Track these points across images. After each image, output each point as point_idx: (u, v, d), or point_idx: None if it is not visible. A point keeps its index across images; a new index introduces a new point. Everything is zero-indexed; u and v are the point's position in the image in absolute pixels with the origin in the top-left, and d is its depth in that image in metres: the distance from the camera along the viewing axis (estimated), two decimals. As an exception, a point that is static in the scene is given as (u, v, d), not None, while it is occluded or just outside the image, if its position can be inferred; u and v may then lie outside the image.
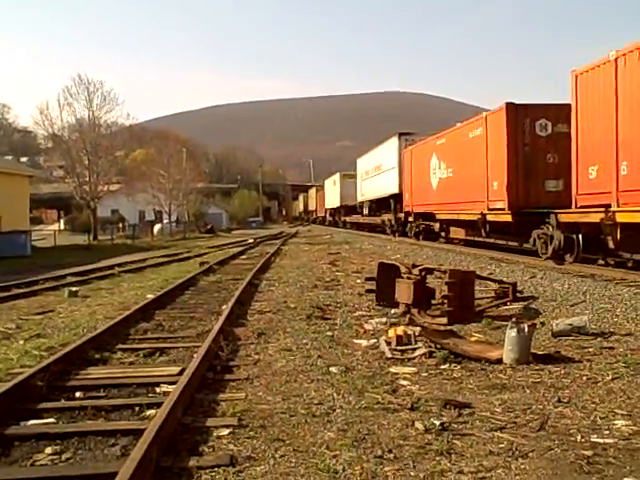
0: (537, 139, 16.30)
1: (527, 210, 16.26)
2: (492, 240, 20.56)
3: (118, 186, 60.30)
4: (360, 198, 42.46)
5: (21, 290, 14.75)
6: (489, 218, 18.44)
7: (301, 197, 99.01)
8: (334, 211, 58.57)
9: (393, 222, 31.87)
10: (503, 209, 17.03)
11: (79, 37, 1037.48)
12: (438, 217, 23.53)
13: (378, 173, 35.30)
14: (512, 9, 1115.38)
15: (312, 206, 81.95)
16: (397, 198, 30.37)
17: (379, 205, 36.30)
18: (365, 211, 41.35)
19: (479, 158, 18.59)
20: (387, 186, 32.31)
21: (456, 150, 21.05)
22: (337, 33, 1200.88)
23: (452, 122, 24.24)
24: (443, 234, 24.34)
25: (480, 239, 20.83)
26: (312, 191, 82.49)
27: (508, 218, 16.96)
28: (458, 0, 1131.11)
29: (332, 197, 57.08)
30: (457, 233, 22.88)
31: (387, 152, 32.75)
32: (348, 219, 50.20)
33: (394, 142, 31.02)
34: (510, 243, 19.65)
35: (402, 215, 29.23)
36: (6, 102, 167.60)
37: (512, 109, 16.46)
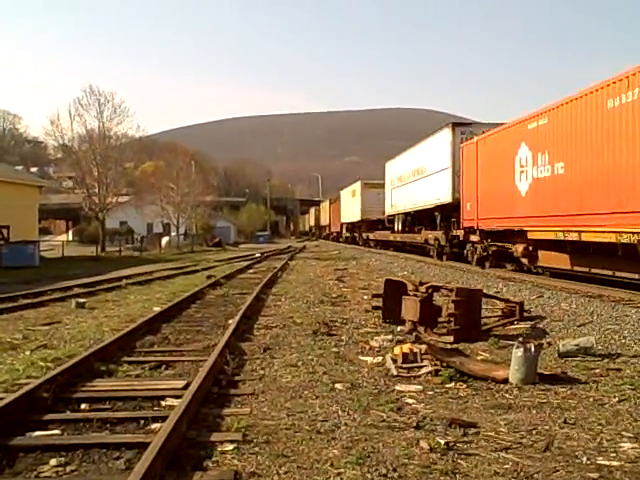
0: None
1: None
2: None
3: (127, 198, 60.50)
4: (390, 210, 35.90)
5: (28, 300, 14.78)
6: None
7: (312, 210, 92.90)
8: (352, 226, 51.70)
9: (443, 242, 24.97)
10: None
11: (91, 49, 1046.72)
12: (531, 236, 16.65)
13: (418, 178, 28.90)
14: (520, 27, 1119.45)
15: (325, 220, 74.10)
16: (448, 210, 24.21)
17: (419, 219, 29.87)
18: (397, 226, 34.54)
19: (628, 141, 12.44)
20: (433, 194, 26.05)
21: (574, 132, 14.49)
22: (348, 49, 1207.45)
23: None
24: (526, 261, 17.80)
25: (625, 275, 13.52)
26: (325, 204, 74.95)
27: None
28: (467, 18, 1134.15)
29: (350, 210, 50.19)
30: (556, 261, 16.16)
31: (434, 150, 26.14)
32: (372, 236, 43.53)
33: (445, 136, 24.21)
34: None
35: (460, 233, 22.53)
36: (17, 112, 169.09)
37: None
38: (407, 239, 32.62)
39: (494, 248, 19.82)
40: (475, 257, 21.39)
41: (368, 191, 43.90)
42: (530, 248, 17.22)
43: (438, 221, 25.87)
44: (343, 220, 55.60)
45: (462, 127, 23.61)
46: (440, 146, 24.95)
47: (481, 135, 20.73)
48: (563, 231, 14.75)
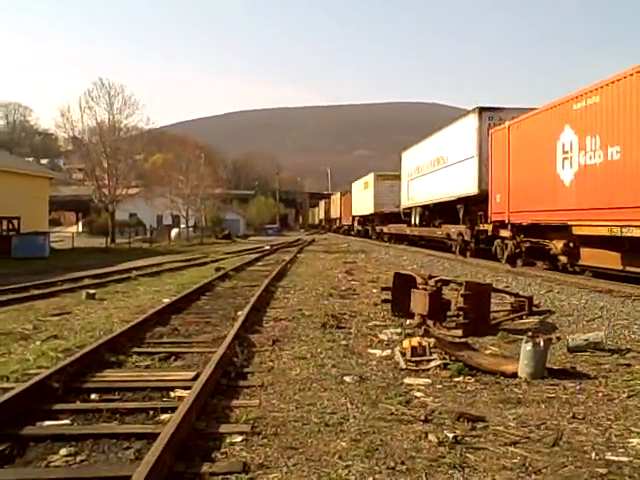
0: None
1: None
2: None
3: (137, 190, 60.67)
4: (406, 203, 33.93)
5: (39, 291, 14.87)
6: None
7: (322, 203, 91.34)
8: (364, 219, 49.83)
9: (467, 237, 22.99)
10: None
11: (102, 41, 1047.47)
12: (577, 232, 14.69)
13: (438, 168, 26.95)
14: (528, 24, 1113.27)
15: (335, 213, 71.92)
16: (473, 202, 22.64)
17: (440, 212, 27.85)
18: (414, 220, 32.59)
19: None
20: (455, 185, 24.20)
21: (635, 111, 12.45)
22: (359, 43, 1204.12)
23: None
24: (565, 259, 15.96)
25: None
26: (335, 196, 72.83)
27: None
28: (477, 15, 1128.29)
29: (363, 202, 48.06)
30: (604, 259, 14.30)
31: (457, 138, 24.16)
32: (386, 229, 41.11)
33: (471, 122, 22.33)
34: None
35: (488, 227, 20.51)
36: (28, 104, 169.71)
37: None
38: (425, 233, 30.68)
39: (527, 244, 17.86)
40: (505, 254, 19.24)
41: (381, 183, 42.24)
42: (571, 245, 15.45)
43: (461, 214, 24.14)
44: (355, 213, 53.78)
45: (490, 112, 21.43)
46: (465, 133, 22.94)
47: (514, 119, 18.49)
48: (621, 226, 12.78)
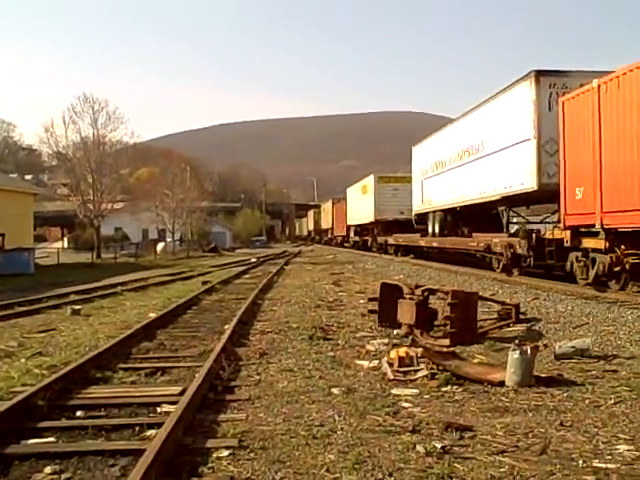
0: None
1: None
2: None
3: (122, 204, 60.48)
4: (420, 207, 28.55)
5: (24, 308, 14.75)
6: None
7: (311, 213, 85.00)
8: (362, 229, 43.79)
9: (521, 249, 16.58)
10: None
11: (84, 56, 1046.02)
12: None
13: (470, 160, 21.57)
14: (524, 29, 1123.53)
15: (326, 223, 65.82)
16: (524, 201, 18.77)
17: (468, 218, 23.13)
18: (433, 228, 26.67)
19: None
20: (497, 181, 18.86)
21: None
22: (343, 53, 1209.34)
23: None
24: None
25: None
26: (327, 205, 66.33)
27: None
28: (466, 22, 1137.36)
29: (360, 210, 42.34)
30: None
31: (500, 116, 18.81)
32: (391, 240, 34.40)
33: (523, 93, 16.87)
34: None
35: (563, 235, 14.59)
36: (12, 120, 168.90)
37: None
38: (450, 245, 24.02)
39: (635, 259, 12.40)
40: (592, 273, 13.63)
41: (383, 186, 37.01)
42: None
43: (505, 219, 19.25)
44: (350, 222, 48.23)
45: (551, 77, 16.15)
46: (512, 110, 17.68)
47: (605, 77, 12.85)
48: None
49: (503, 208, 19.38)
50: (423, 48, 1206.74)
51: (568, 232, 14.38)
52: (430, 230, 27.16)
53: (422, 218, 28.64)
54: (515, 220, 19.48)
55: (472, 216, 22.87)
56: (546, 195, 16.56)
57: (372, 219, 38.25)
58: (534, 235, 16.40)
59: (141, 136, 60.13)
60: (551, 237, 15.54)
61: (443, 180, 24.90)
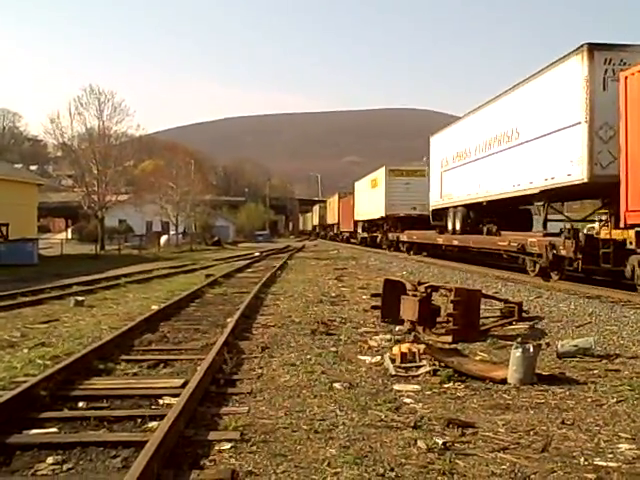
0: None
1: None
2: None
3: (126, 196, 60.51)
4: (438, 202, 26.32)
5: (27, 298, 14.77)
6: None
7: (316, 208, 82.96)
8: (371, 225, 41.55)
9: (566, 250, 14.41)
10: None
11: (92, 47, 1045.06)
12: None
13: (503, 149, 19.11)
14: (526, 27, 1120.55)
15: (332, 219, 63.64)
16: (569, 195, 16.89)
17: (495, 213, 21.17)
18: (454, 225, 24.54)
19: None
20: (536, 171, 16.49)
21: None
22: (348, 50, 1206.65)
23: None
24: None
25: None
26: (332, 199, 64.60)
27: None
28: (471, 19, 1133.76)
29: (369, 204, 40.12)
30: None
31: (543, 97, 16.30)
32: (404, 237, 32.09)
33: (573, 69, 14.56)
34: None
35: (625, 235, 12.53)
36: (17, 110, 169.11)
37: None
38: (474, 244, 21.50)
39: None
40: None
41: (394, 180, 34.79)
42: None
43: (542, 216, 17.17)
44: (358, 217, 45.73)
45: (607, 51, 13.89)
46: (558, 89, 15.36)
47: None
48: None
49: (541, 204, 17.08)
50: (428, 45, 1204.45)
51: (632, 232, 12.19)
52: (450, 227, 25.00)
53: (440, 214, 26.55)
54: (549, 218, 17.17)
55: (498, 212, 21.00)
56: (596, 189, 14.66)
57: (382, 214, 36.15)
58: (582, 235, 14.42)
59: (146, 129, 60.08)
60: (607, 237, 13.33)
61: (466, 172, 22.61)
